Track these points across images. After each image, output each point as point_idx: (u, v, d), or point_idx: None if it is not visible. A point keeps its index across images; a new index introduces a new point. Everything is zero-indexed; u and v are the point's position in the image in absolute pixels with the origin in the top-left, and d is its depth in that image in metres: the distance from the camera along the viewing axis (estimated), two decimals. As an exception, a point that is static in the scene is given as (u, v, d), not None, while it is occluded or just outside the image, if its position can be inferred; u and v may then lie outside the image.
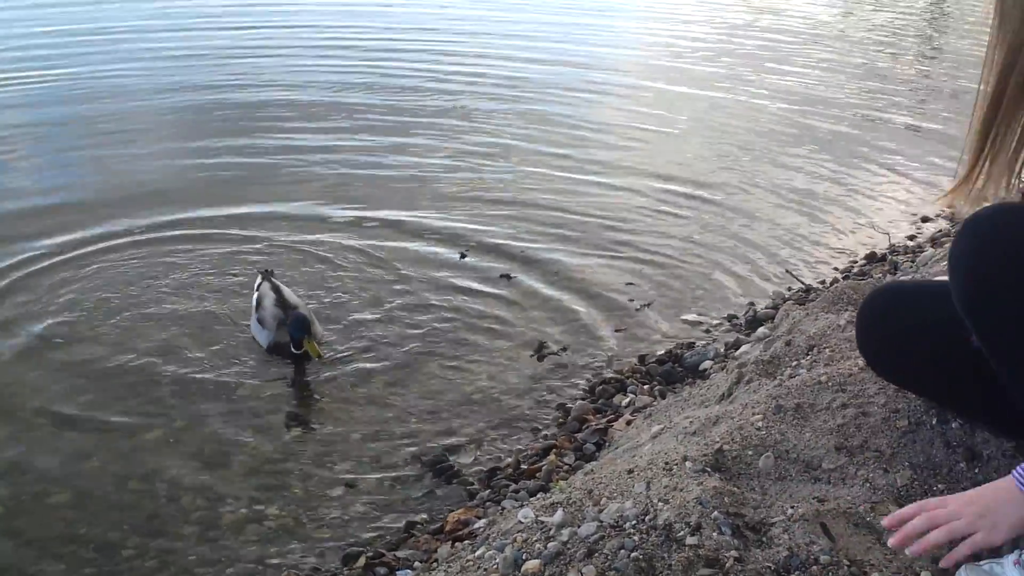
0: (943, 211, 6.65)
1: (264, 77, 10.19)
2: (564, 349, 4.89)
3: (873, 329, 2.50)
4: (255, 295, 5.07)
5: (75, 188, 6.94)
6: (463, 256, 5.87)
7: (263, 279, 5.15)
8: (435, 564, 2.86)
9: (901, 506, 2.28)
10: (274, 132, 8.18)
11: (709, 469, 2.47)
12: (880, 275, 5.13)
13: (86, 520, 3.59)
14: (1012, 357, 2.02)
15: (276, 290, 5.01)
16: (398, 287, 5.47)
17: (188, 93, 9.41)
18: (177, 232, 6.13)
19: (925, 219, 6.58)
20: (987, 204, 2.06)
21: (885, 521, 2.03)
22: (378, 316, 5.14)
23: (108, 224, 6.21)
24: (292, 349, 4.73)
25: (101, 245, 5.89)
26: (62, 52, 11.12)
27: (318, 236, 6.12)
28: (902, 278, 4.72)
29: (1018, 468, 1.87)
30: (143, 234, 6.06)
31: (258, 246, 5.97)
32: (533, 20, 14.13)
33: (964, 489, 2.29)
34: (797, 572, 2.07)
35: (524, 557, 2.25)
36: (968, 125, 2.09)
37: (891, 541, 1.99)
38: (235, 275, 5.52)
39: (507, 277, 5.61)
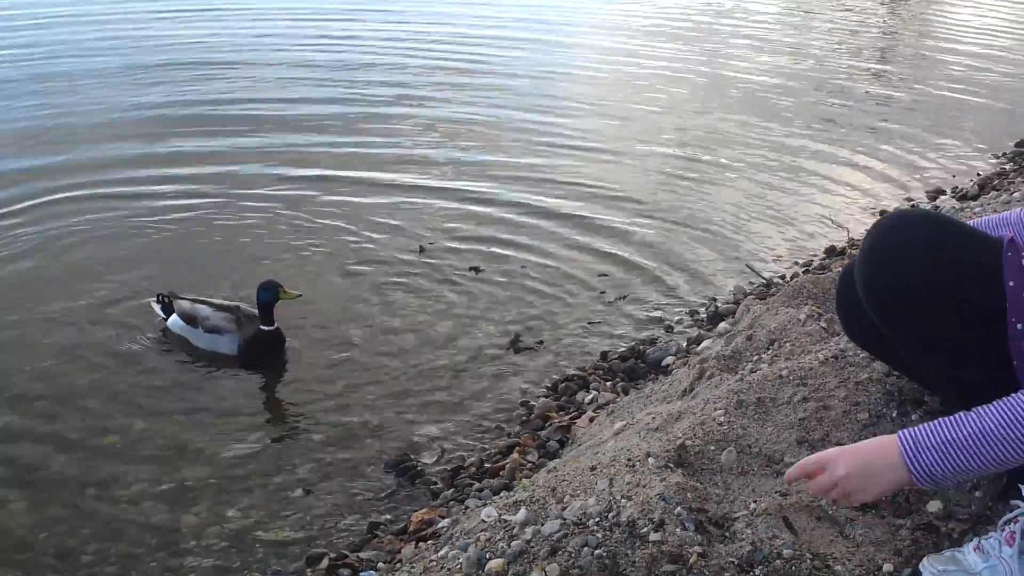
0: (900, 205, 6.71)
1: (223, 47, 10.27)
2: (540, 342, 4.91)
3: (849, 298, 2.50)
4: (171, 318, 4.85)
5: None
6: (422, 250, 5.85)
7: (169, 300, 4.91)
8: (399, 565, 2.85)
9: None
10: (234, 117, 8.14)
11: (672, 465, 2.47)
12: (839, 269, 5.15)
13: (45, 527, 3.54)
14: (903, 346, 2.21)
15: (200, 300, 4.87)
16: (357, 282, 5.45)
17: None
18: (136, 200, 6.15)
19: (884, 212, 6.62)
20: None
21: (785, 476, 2.07)
22: (337, 313, 5.11)
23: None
24: (262, 327, 4.70)
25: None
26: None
27: (275, 225, 6.14)
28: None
29: (905, 431, 1.88)
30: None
31: (221, 233, 5.99)
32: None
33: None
34: (760, 566, 2.07)
35: (488, 556, 2.24)
36: None
37: None
38: (193, 270, 5.47)
39: (475, 269, 5.63)
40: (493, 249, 5.89)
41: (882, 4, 16.67)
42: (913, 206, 6.65)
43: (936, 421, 1.86)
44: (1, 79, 9.16)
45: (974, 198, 6.57)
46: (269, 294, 4.70)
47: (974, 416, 1.83)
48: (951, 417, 1.85)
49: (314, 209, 6.43)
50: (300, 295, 4.80)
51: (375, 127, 8.18)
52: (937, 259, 2.03)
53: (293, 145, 7.66)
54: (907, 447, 1.85)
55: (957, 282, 2.03)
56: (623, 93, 9.64)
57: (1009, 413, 1.80)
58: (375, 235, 6.05)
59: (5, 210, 6.16)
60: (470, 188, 6.83)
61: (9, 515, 3.61)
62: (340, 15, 12.87)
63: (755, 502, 2.30)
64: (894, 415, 2.51)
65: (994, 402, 1.83)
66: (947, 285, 2.02)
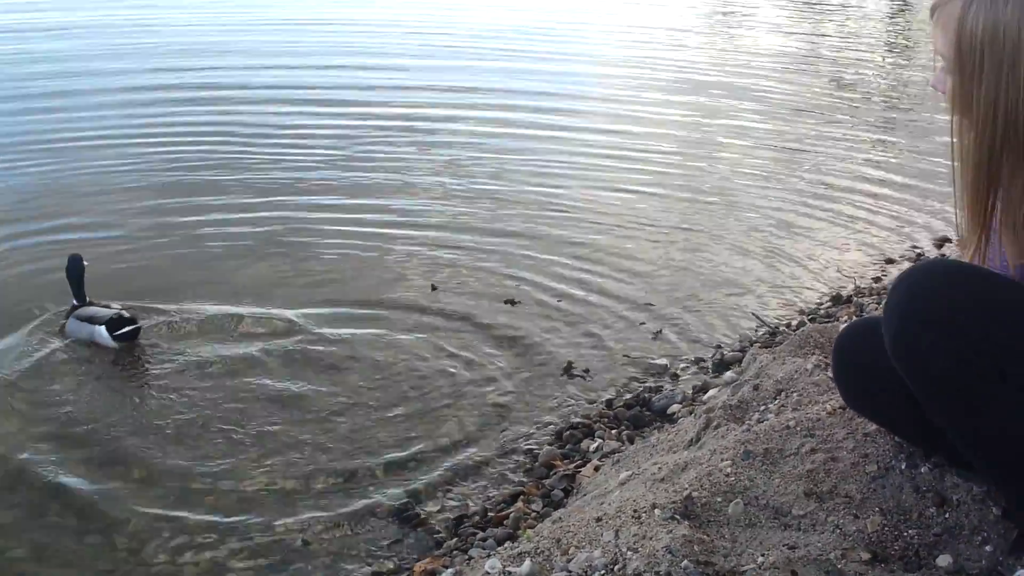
0: (906, 254, 6.70)
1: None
2: (586, 371, 4.98)
3: (847, 363, 2.50)
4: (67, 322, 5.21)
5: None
6: (434, 288, 5.85)
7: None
8: (401, 616, 2.82)
9: (872, 553, 2.27)
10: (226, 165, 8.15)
11: (678, 516, 2.45)
12: (846, 317, 5.15)
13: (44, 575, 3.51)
14: (934, 408, 2.14)
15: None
16: (361, 323, 5.44)
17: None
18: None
19: (890, 261, 6.61)
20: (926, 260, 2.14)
21: None
22: (338, 357, 5.09)
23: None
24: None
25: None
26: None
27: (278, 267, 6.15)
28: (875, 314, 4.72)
29: None
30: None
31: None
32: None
33: (935, 535, 2.29)
34: (768, 622, 2.04)
35: (492, 609, 2.21)
36: (954, 194, 2.11)
37: None
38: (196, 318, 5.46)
39: (510, 302, 5.72)
40: (493, 293, 5.88)
41: (886, 33, 16.73)
42: (919, 256, 6.64)
43: None
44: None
45: (980, 247, 6.54)
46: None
47: None
48: None
49: (304, 244, 6.54)
50: None
51: (373, 153, 8.37)
52: (969, 314, 2.00)
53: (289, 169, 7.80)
54: None
55: (991, 335, 1.99)
56: (628, 131, 9.68)
57: None
58: (378, 275, 6.08)
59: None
60: (478, 225, 6.85)
61: (8, 563, 3.59)
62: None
63: (763, 555, 2.27)
64: (903, 467, 2.49)
65: None
66: (981, 339, 1.98)
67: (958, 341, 1.99)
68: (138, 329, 5.10)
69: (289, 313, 5.49)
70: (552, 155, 8.70)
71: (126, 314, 5.11)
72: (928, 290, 2.04)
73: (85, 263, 5.30)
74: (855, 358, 2.44)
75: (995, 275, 2.11)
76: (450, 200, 7.43)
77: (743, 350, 4.99)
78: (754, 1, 19.87)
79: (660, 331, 5.43)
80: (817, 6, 19.67)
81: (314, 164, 8.33)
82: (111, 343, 5.02)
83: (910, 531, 2.33)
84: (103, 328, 5.02)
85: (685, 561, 2.20)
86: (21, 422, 4.49)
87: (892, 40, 16.67)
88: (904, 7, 19.81)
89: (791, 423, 2.81)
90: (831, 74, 13.34)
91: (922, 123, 10.59)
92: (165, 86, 10.95)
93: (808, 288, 6.14)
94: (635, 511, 2.51)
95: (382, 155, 8.60)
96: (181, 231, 6.78)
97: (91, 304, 5.23)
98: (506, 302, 5.72)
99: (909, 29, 17.53)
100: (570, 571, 2.24)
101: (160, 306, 5.57)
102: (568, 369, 5.01)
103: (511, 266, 6.27)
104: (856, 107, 11.45)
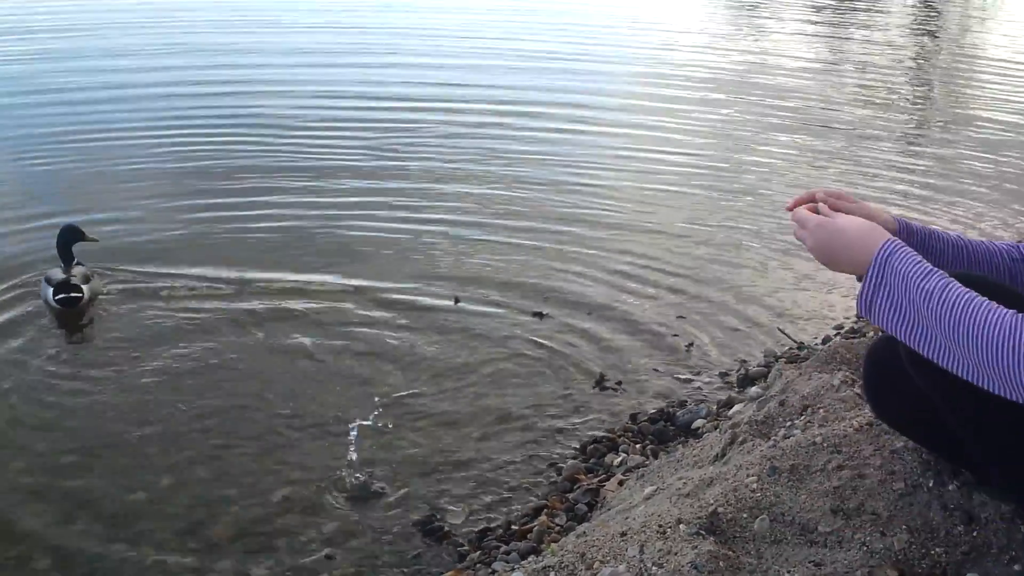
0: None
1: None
2: (619, 383, 4.99)
3: (879, 373, 2.49)
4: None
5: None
6: (457, 301, 5.85)
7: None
8: (425, 629, 2.82)
9: (899, 570, 2.25)
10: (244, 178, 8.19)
11: (703, 532, 2.44)
12: (873, 332, 5.12)
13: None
14: (950, 414, 2.24)
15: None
16: (388, 334, 5.43)
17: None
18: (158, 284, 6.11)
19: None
20: None
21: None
22: (360, 367, 5.10)
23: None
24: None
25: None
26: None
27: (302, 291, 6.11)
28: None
29: (892, 243, 2.05)
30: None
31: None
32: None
33: (963, 553, 2.27)
34: (795, 639, 2.03)
35: (516, 623, 2.21)
36: None
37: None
38: (217, 334, 5.48)
39: (539, 314, 5.72)
40: (514, 308, 5.86)
41: (916, 47, 16.65)
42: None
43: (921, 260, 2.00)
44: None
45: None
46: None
47: (949, 285, 1.94)
48: (938, 271, 1.97)
49: (328, 245, 6.65)
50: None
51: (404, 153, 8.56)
52: None
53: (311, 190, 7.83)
54: (881, 254, 2.02)
55: None
56: (657, 137, 9.70)
57: (972, 309, 1.90)
58: (403, 282, 6.09)
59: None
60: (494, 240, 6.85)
61: (34, 573, 3.61)
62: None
63: (789, 572, 2.26)
64: (930, 485, 2.47)
65: (975, 295, 1.93)
66: None
67: None
68: (77, 298, 5.42)
69: (306, 329, 5.52)
70: (582, 160, 8.81)
71: (74, 281, 5.46)
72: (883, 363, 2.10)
73: (91, 237, 5.86)
74: (886, 368, 2.42)
75: (1005, 285, 2.14)
76: (480, 207, 7.48)
77: (768, 365, 4.97)
78: (780, 8, 19.92)
79: (691, 344, 5.42)
80: (844, 14, 19.70)
81: (344, 163, 8.52)
82: (56, 305, 5.40)
83: (937, 549, 2.31)
84: (51, 291, 5.43)
85: (710, 577, 2.20)
86: (49, 428, 4.52)
87: (921, 47, 16.63)
88: (932, 15, 19.83)
89: (817, 439, 2.80)
90: (858, 82, 13.31)
91: (951, 133, 10.51)
92: (204, 82, 11.45)
93: (835, 302, 6.11)
94: (660, 526, 2.51)
95: (414, 154, 8.80)
96: (204, 218, 7.11)
97: (76, 266, 5.68)
98: (534, 314, 5.71)
99: (937, 36, 17.48)
100: (595, 586, 2.24)
101: (183, 295, 5.85)
102: (600, 381, 5.00)
103: (539, 277, 6.27)
104: (885, 117, 11.39)
